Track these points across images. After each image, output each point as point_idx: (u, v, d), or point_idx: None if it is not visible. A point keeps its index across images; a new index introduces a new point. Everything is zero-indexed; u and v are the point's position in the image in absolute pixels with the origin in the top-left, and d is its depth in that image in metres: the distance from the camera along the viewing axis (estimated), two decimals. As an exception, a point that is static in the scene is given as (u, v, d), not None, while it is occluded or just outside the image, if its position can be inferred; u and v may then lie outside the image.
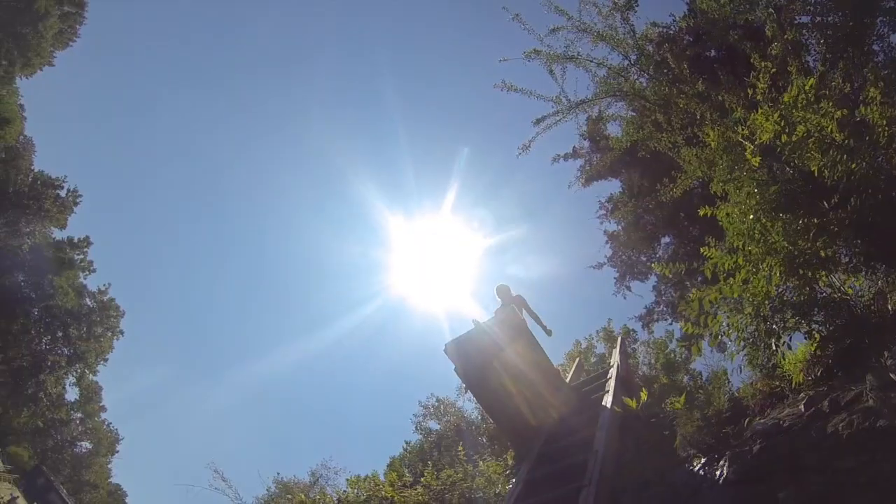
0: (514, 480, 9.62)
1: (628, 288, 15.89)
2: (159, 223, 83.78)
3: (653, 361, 14.14)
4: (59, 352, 41.33)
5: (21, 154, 42.01)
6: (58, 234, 42.79)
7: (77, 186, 42.36)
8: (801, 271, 6.03)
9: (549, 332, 11.78)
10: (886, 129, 5.77)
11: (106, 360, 44.06)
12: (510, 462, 11.91)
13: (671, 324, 15.16)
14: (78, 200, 42.25)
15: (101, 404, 47.66)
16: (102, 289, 43.68)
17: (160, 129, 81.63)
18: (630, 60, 11.14)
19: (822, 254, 5.93)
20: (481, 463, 12.37)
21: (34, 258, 40.07)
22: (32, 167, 42.28)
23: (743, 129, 7.18)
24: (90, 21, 42.74)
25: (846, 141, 5.85)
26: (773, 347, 6.14)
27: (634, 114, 11.83)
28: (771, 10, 8.97)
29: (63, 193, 41.54)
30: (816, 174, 6.16)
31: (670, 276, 8.36)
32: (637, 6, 10.66)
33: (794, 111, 6.40)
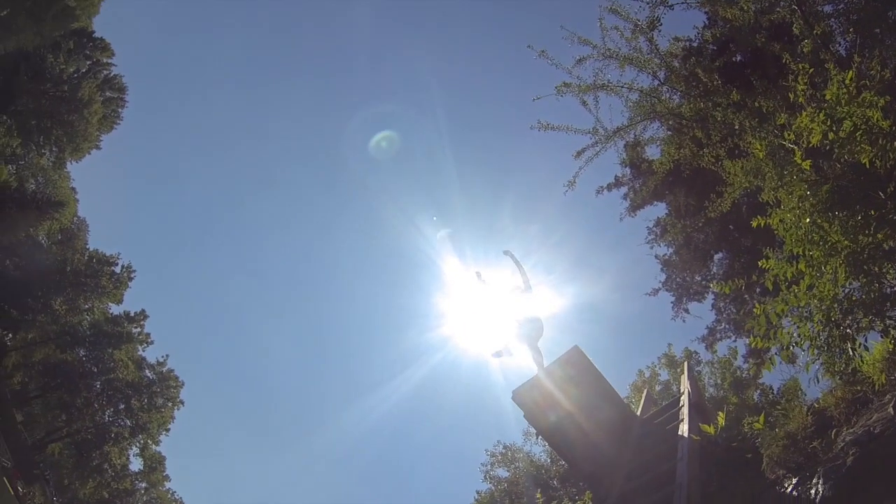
0: (596, 525, 9.31)
1: (686, 310, 15.46)
2: (212, 289, 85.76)
3: (719, 381, 13.64)
4: (122, 423, 42.26)
5: (76, 234, 43.97)
6: (115, 309, 44.15)
7: (130, 262, 43.94)
8: (866, 268, 5.77)
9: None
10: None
11: (168, 430, 44.86)
12: (589, 504, 11.54)
13: (734, 341, 14.65)
14: (132, 276, 43.74)
15: (164, 474, 48.14)
16: (161, 360, 44.75)
17: (203, 198, 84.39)
18: (660, 80, 11.07)
19: (886, 246, 5.67)
20: (560, 508, 12.03)
21: (94, 333, 41.46)
22: (87, 246, 44.20)
23: (789, 134, 7.01)
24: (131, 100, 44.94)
25: (893, 128, 5.65)
26: (850, 351, 5.85)
27: (672, 133, 11.69)
28: (794, 6, 8.83)
29: (118, 270, 43.05)
30: (868, 166, 5.94)
31: (729, 293, 8.11)
32: (660, 25, 10.62)
33: (837, 108, 6.22)
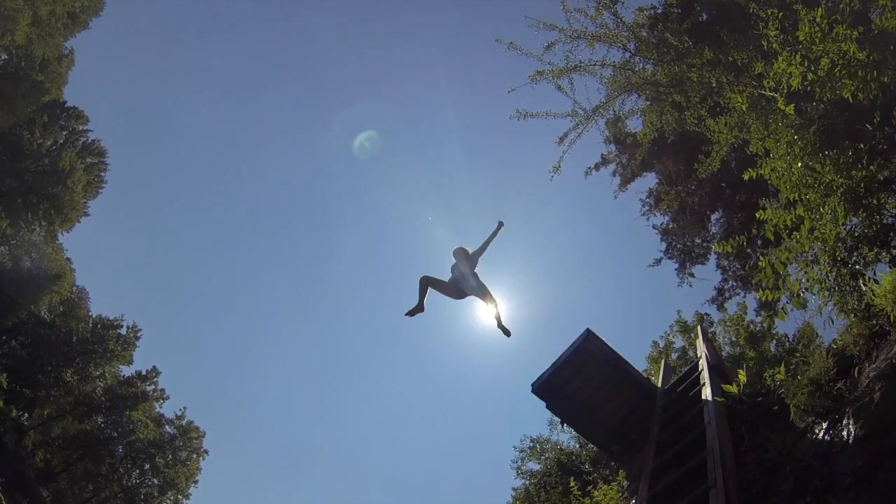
0: (634, 502, 9.27)
1: (692, 275, 15.45)
2: (216, 332, 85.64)
3: (734, 339, 13.61)
4: (150, 483, 42.08)
5: (77, 303, 43.85)
6: (126, 371, 44.11)
7: (135, 321, 43.89)
8: (864, 202, 5.74)
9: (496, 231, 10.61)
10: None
11: (196, 482, 44.60)
12: (624, 483, 11.50)
13: (743, 297, 14.64)
14: (138, 335, 43.69)
15: (199, 528, 48.00)
16: (179, 414, 44.59)
17: (195, 243, 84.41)
18: (630, 51, 11.05)
19: (880, 176, 5.65)
20: (595, 492, 11.98)
21: (109, 398, 41.35)
22: (90, 313, 44.01)
23: (768, 82, 6.98)
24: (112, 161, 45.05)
25: (870, 57, 5.62)
26: (861, 287, 5.81)
27: (650, 102, 11.68)
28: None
29: (123, 332, 43.01)
30: (851, 100, 5.92)
31: (731, 251, 8.08)
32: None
33: (812, 47, 6.20)
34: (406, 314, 10.14)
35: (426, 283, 10.08)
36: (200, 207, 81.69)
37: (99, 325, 42.51)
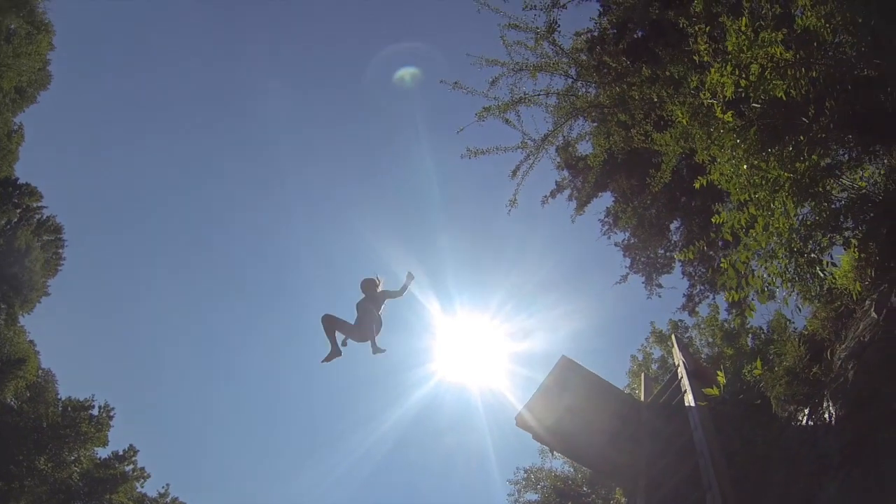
0: (635, 517, 9.31)
1: (659, 285, 15.69)
2: (190, 399, 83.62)
3: (711, 339, 13.86)
4: (140, 568, 40.61)
5: (44, 387, 42.39)
6: (102, 453, 42.49)
7: (107, 401, 42.48)
8: (811, 190, 6.00)
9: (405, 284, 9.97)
10: (827, 26, 5.89)
11: (189, 558, 43.26)
12: (622, 500, 11.53)
13: (713, 299, 14.93)
14: (112, 414, 42.19)
15: None
16: (162, 491, 43.05)
17: (161, 314, 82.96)
18: (572, 77, 11.39)
19: (822, 164, 5.92)
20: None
21: (87, 483, 39.71)
22: (59, 396, 42.55)
23: (704, 94, 7.28)
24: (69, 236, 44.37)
25: (797, 55, 5.95)
26: (821, 273, 6.04)
27: (597, 124, 11.99)
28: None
29: (95, 412, 41.43)
30: (785, 98, 6.22)
31: (693, 257, 8.30)
32: (559, 27, 10.97)
33: (741, 55, 6.52)
34: (322, 361, 9.35)
35: (328, 322, 9.31)
36: (162, 275, 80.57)
37: (69, 408, 40.93)
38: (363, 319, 9.46)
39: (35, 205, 42.48)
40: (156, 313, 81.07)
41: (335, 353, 9.32)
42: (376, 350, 9.38)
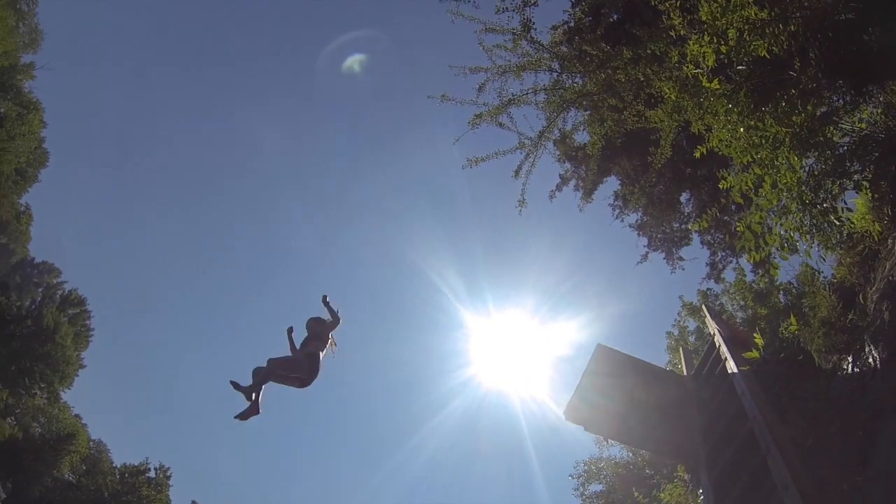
0: (701, 492, 9.26)
1: (680, 258, 15.62)
2: (244, 447, 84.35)
3: (743, 302, 13.78)
4: None
5: (98, 458, 43.11)
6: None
7: (161, 461, 43.08)
8: (812, 141, 6.01)
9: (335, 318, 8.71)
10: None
11: None
12: (685, 476, 11.47)
13: (736, 262, 14.84)
14: (168, 474, 42.83)
15: None
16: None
17: (200, 359, 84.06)
18: (556, 71, 11.44)
19: (817, 113, 5.93)
20: (661, 494, 11.95)
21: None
22: (114, 464, 43.14)
23: (688, 66, 7.31)
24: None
25: (772, 13, 5.97)
26: (837, 221, 6.04)
27: (589, 112, 12.03)
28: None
29: (152, 475, 42.12)
30: (768, 56, 6.24)
31: (708, 226, 8.30)
32: (534, 25, 11.02)
33: (717, 23, 6.55)
34: (236, 417, 8.02)
35: (263, 375, 8.09)
36: (188, 324, 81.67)
37: (126, 474, 41.54)
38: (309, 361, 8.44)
39: (55, 281, 43.30)
40: (192, 363, 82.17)
41: (253, 410, 8.08)
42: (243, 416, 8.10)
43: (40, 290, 42.16)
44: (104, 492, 39.70)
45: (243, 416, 7.96)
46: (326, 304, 8.81)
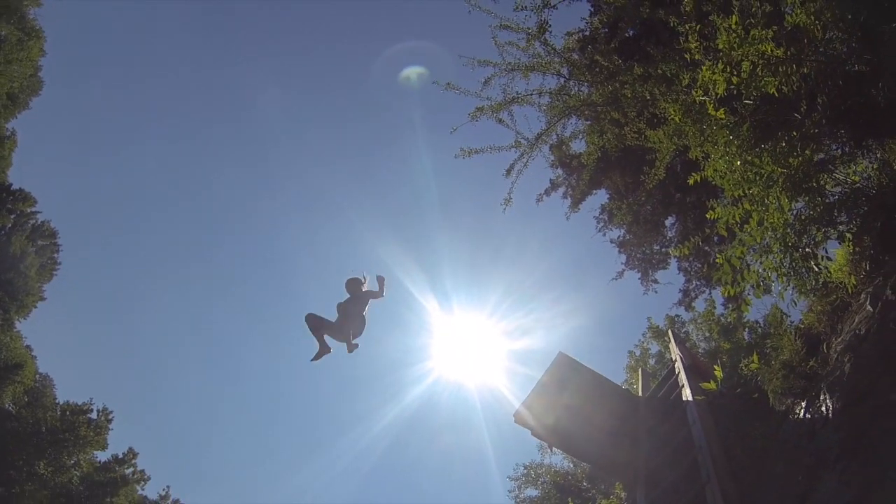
0: (634, 510, 9.36)
1: (655, 281, 15.79)
2: (193, 407, 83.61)
3: (708, 334, 13.95)
4: (143, 572, 40.54)
5: (42, 392, 42.51)
6: (102, 456, 42.59)
7: (105, 404, 42.53)
8: (804, 185, 6.05)
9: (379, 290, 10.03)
10: (816, 23, 5.95)
11: (189, 559, 43.24)
12: (622, 494, 11.59)
13: (709, 294, 15.03)
14: (110, 417, 42.27)
15: None
16: (163, 493, 43.26)
17: (157, 318, 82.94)
18: (564, 76, 11.41)
19: (815, 159, 5.97)
20: (596, 508, 12.05)
21: (87, 487, 39.75)
22: (57, 401, 42.59)
23: (697, 91, 7.33)
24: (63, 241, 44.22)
25: (788, 52, 6.00)
26: (815, 268, 6.10)
27: (590, 122, 12.03)
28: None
29: (94, 416, 41.56)
30: (777, 94, 6.27)
31: (689, 253, 8.35)
32: (550, 27, 10.98)
33: (732, 52, 6.56)
34: (312, 359, 9.52)
35: (312, 321, 9.45)
36: (159, 278, 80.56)
37: (68, 412, 40.91)
38: (345, 319, 9.57)
39: (29, 210, 42.42)
40: (152, 315, 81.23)
41: (324, 350, 9.50)
42: (351, 348, 9.55)
43: (12, 216, 41.32)
44: (42, 426, 39.15)
45: (315, 357, 9.42)
46: (381, 283, 9.91)
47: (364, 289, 9.90)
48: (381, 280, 9.97)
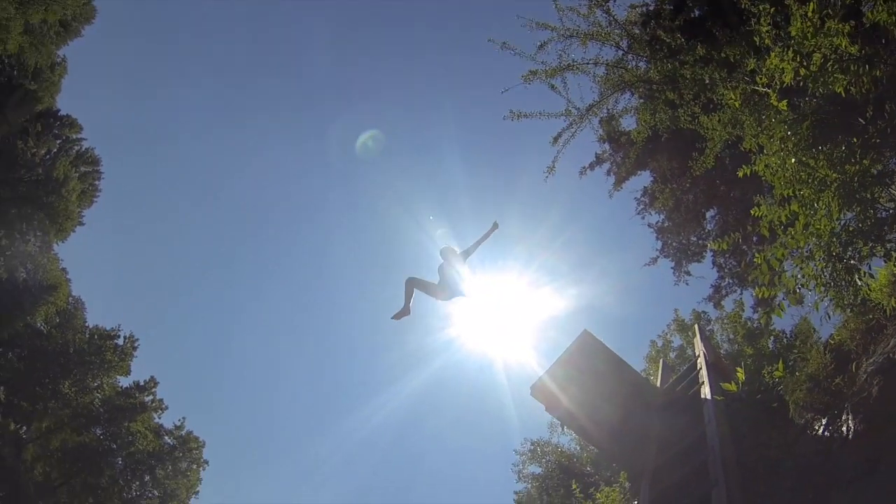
0: (636, 503, 9.25)
1: (688, 273, 15.43)
2: (211, 336, 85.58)
3: (732, 336, 13.63)
4: (150, 495, 41.54)
5: (73, 314, 43.54)
6: (124, 382, 43.75)
7: (132, 332, 43.55)
8: (858, 196, 5.72)
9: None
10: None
11: (197, 492, 44.02)
12: (626, 484, 11.49)
13: (740, 294, 14.64)
14: (136, 345, 43.32)
15: (199, 538, 47.62)
16: (178, 424, 44.15)
17: (191, 252, 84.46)
18: (623, 49, 11.06)
19: (874, 171, 5.63)
20: (598, 495, 11.97)
21: (107, 410, 40.98)
22: (86, 324, 43.67)
23: (761, 78, 6.97)
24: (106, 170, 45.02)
25: (862, 51, 5.62)
26: (856, 282, 5.80)
27: (644, 100, 11.66)
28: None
29: (120, 342, 42.59)
30: (844, 95, 5.91)
31: (727, 248, 8.05)
32: (615, -3, 10.62)
33: (804, 42, 6.19)
34: (392, 317, 10.03)
35: (412, 284, 9.97)
36: (196, 213, 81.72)
37: (96, 336, 42.15)
38: (448, 281, 10.20)
39: (75, 136, 43.01)
40: (187, 249, 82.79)
41: (405, 311, 9.98)
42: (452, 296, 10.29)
43: (58, 142, 41.91)
44: (70, 347, 40.33)
45: (396, 315, 9.92)
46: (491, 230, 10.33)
47: (459, 252, 10.38)
48: (494, 226, 10.36)
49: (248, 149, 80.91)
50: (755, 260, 6.82)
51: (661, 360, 14.03)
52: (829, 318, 6.36)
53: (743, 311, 13.65)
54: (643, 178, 15.83)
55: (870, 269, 5.87)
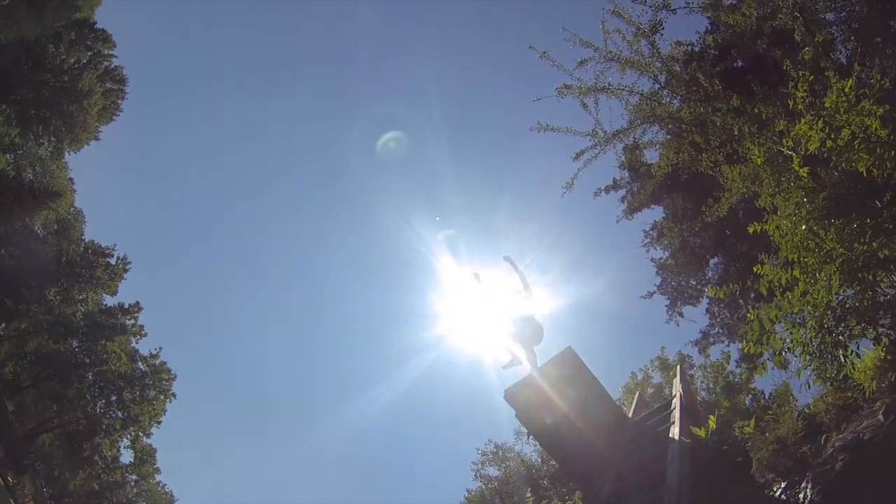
0: (586, 526, 9.36)
1: (680, 314, 15.52)
2: (207, 285, 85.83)
3: (711, 385, 13.74)
4: (114, 415, 42.14)
5: (72, 225, 43.86)
6: (109, 301, 44.10)
7: (126, 254, 43.86)
8: (860, 275, 5.81)
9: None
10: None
11: (159, 422, 44.60)
12: (578, 504, 11.58)
13: (727, 346, 14.73)
14: (127, 267, 43.65)
15: (155, 466, 47.96)
16: (154, 353, 44.61)
17: (201, 195, 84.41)
18: (660, 83, 11.06)
19: (881, 254, 5.71)
20: (552, 507, 12.07)
21: (87, 324, 41.38)
22: (83, 237, 44.02)
23: (787, 141, 7.03)
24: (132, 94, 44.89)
25: (891, 136, 5.69)
26: (842, 358, 5.88)
27: (671, 137, 11.71)
28: (796, 13, 8.86)
29: (113, 261, 42.93)
30: (865, 174, 5.98)
31: (723, 297, 8.13)
32: (663, 29, 10.61)
33: (836, 115, 6.26)
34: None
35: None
36: (213, 153, 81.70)
37: (90, 251, 42.30)
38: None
39: (107, 52, 42.83)
40: (197, 188, 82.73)
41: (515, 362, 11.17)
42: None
43: (89, 54, 41.70)
44: (63, 256, 40.51)
45: (507, 366, 11.12)
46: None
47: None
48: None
49: (273, 106, 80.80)
50: (748, 315, 6.91)
51: (637, 393, 14.14)
52: (809, 387, 6.45)
53: (728, 363, 13.75)
54: (655, 213, 15.91)
55: (858, 348, 5.95)
